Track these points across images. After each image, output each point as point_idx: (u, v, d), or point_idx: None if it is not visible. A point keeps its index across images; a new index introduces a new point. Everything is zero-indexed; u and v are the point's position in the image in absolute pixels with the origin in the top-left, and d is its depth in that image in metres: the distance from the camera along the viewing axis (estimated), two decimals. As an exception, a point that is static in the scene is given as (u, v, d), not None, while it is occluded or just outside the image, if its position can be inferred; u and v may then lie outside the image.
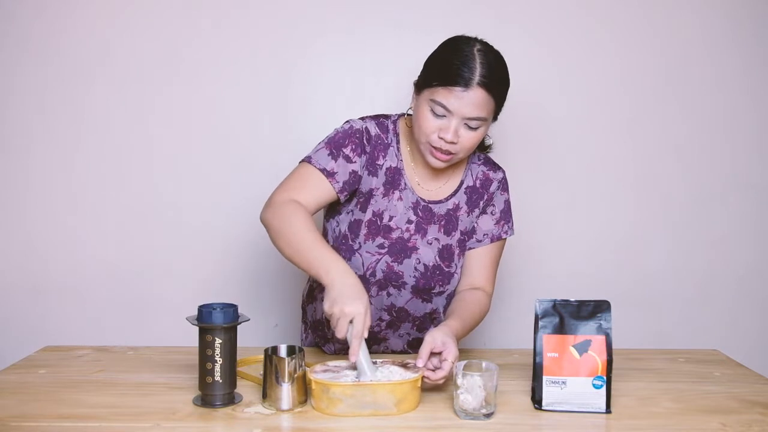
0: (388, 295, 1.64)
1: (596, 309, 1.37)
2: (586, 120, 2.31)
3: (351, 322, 1.33)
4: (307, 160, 1.58)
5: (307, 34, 2.24)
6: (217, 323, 1.31)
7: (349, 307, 1.32)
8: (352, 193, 1.62)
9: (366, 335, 1.34)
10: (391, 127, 1.65)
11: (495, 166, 1.72)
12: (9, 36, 2.20)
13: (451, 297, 1.69)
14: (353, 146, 1.58)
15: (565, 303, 1.38)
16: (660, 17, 2.28)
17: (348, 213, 1.64)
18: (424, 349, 1.38)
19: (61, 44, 2.21)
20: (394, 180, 1.62)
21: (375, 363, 1.39)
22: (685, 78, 2.30)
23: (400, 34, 2.24)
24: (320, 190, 1.55)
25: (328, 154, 1.57)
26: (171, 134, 2.26)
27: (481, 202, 1.69)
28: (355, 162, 1.58)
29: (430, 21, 2.22)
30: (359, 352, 1.34)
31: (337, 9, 2.23)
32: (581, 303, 1.38)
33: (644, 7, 2.27)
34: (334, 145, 1.58)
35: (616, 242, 2.35)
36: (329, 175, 1.56)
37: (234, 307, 1.34)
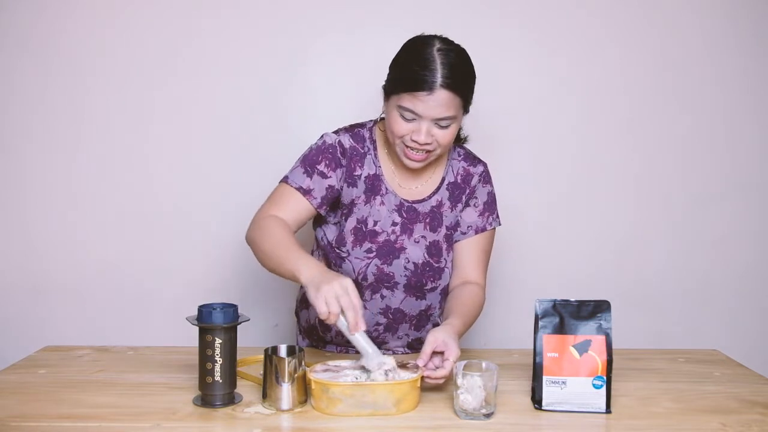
0: (382, 297, 1.66)
1: (596, 309, 1.38)
2: (586, 120, 2.31)
3: (343, 313, 1.34)
4: (285, 180, 1.63)
5: (307, 35, 2.24)
6: (217, 323, 1.32)
7: (336, 282, 1.33)
8: (335, 205, 1.66)
9: (361, 310, 1.34)
10: (366, 135, 1.67)
11: (475, 161, 1.73)
12: (9, 36, 2.20)
13: (444, 292, 1.70)
14: (327, 161, 1.62)
15: (565, 303, 1.38)
16: (660, 17, 2.28)
17: (334, 224, 1.67)
18: (426, 349, 1.39)
19: (61, 44, 2.21)
20: (374, 186, 1.64)
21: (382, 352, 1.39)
22: (685, 78, 2.30)
23: (399, 34, 2.22)
24: (299, 207, 1.60)
25: (303, 172, 1.61)
26: (171, 134, 2.26)
27: (464, 197, 1.70)
28: (330, 177, 1.62)
29: (430, 21, 2.19)
30: (362, 331, 1.34)
31: (336, 9, 2.23)
32: (581, 303, 1.38)
33: (644, 7, 2.27)
34: (309, 162, 1.62)
35: (616, 242, 2.35)
36: (306, 192, 1.60)
37: (234, 307, 1.34)
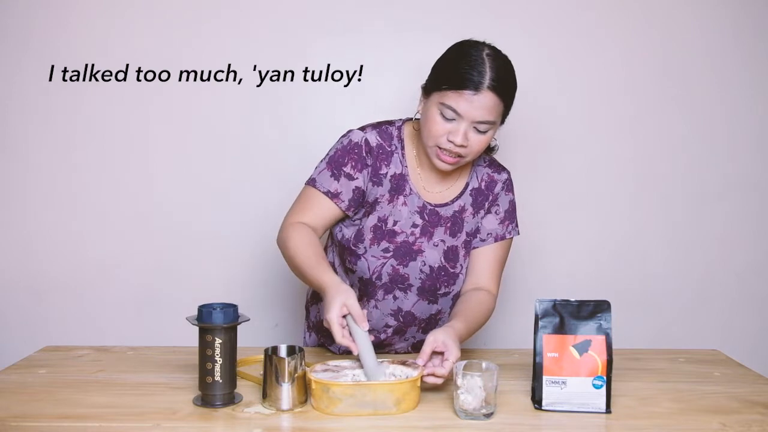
0: (395, 298, 1.65)
1: (596, 309, 1.37)
2: (587, 120, 2.31)
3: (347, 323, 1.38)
4: (311, 183, 1.62)
5: (307, 34, 2.24)
6: (217, 323, 1.32)
7: (329, 312, 1.37)
8: (360, 204, 1.64)
9: (366, 325, 1.37)
10: (395, 133, 1.64)
11: (500, 168, 1.73)
12: (9, 36, 2.20)
13: (456, 298, 1.69)
14: (353, 163, 1.60)
15: (565, 303, 1.38)
16: (660, 17, 2.28)
17: (354, 220, 1.65)
18: (426, 349, 1.39)
19: (61, 44, 2.21)
20: (399, 186, 1.63)
21: (381, 362, 1.40)
22: (685, 78, 2.30)
23: (401, 33, 2.24)
24: (327, 211, 1.61)
25: (330, 175, 1.60)
26: (171, 134, 2.26)
27: (486, 203, 1.69)
28: (357, 178, 1.60)
29: (431, 20, 2.22)
30: (365, 346, 1.36)
31: (337, 9, 2.23)
32: (581, 303, 1.38)
33: (644, 7, 2.27)
34: (335, 164, 1.61)
35: (616, 242, 2.35)
36: (333, 196, 1.60)
37: (234, 307, 1.34)
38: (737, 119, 2.32)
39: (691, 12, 2.28)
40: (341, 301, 1.38)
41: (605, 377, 1.34)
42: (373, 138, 1.62)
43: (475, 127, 1.50)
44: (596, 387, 1.34)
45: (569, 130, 2.31)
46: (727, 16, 2.28)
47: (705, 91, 2.31)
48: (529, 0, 2.25)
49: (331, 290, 1.41)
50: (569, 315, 1.37)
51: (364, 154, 1.61)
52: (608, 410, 1.34)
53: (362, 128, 1.63)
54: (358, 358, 1.39)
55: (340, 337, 1.36)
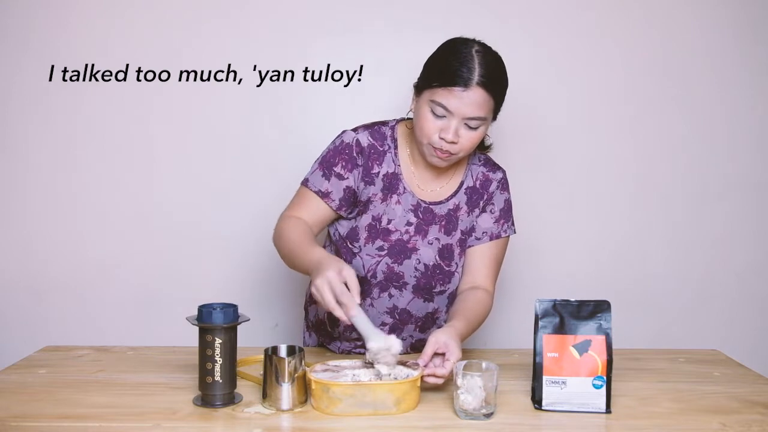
0: (390, 296, 1.65)
1: (596, 309, 1.38)
2: (586, 120, 2.31)
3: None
4: (305, 183, 1.65)
5: (307, 34, 2.24)
6: (217, 323, 1.32)
7: (331, 270, 1.35)
8: (353, 203, 1.65)
9: (358, 298, 1.36)
10: (388, 133, 1.66)
11: (495, 167, 1.73)
12: (9, 36, 2.20)
13: (452, 296, 1.69)
14: (343, 163, 1.62)
15: (565, 303, 1.38)
16: (660, 17, 2.28)
17: (348, 219, 1.66)
18: (428, 350, 1.39)
19: (61, 44, 2.21)
20: (392, 185, 1.64)
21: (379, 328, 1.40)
22: (685, 78, 2.30)
23: (401, 33, 2.24)
24: (319, 210, 1.63)
25: (322, 175, 1.63)
26: (171, 134, 2.26)
27: (481, 202, 1.69)
28: (347, 178, 1.62)
29: (431, 20, 2.22)
30: (359, 313, 1.36)
31: (337, 9, 2.23)
32: (581, 303, 1.38)
33: (644, 7, 2.27)
34: (326, 164, 1.63)
35: (616, 242, 2.35)
36: (324, 195, 1.62)
37: (234, 307, 1.35)
38: (737, 119, 2.32)
39: (691, 12, 2.28)
40: (338, 267, 1.36)
41: (605, 377, 1.34)
42: (364, 138, 1.63)
43: (466, 124, 1.51)
44: (596, 387, 1.34)
45: (569, 129, 2.31)
46: (727, 16, 2.28)
47: (705, 91, 2.31)
48: (529, 0, 2.25)
49: (324, 260, 1.40)
50: (569, 315, 1.38)
51: (355, 155, 1.62)
52: (608, 410, 1.34)
53: (355, 129, 1.65)
54: (358, 356, 1.39)
55: (333, 303, 1.34)
